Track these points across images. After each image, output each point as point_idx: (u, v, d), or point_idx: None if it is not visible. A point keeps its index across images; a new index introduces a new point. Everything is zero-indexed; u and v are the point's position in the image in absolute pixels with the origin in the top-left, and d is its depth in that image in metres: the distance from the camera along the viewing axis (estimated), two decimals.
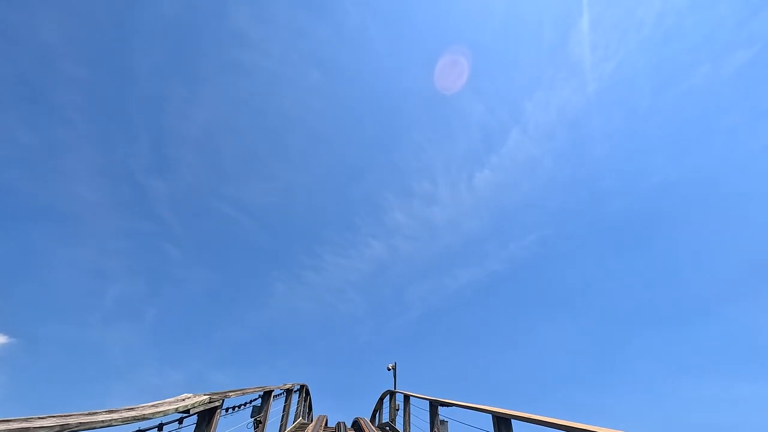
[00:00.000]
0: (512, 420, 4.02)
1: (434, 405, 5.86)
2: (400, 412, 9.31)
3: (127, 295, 44.22)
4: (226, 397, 4.55)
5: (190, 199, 46.56)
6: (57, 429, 1.93)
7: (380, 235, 48.94)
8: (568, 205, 47.79)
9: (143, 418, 2.73)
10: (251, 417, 6.09)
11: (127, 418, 2.54)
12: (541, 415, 3.62)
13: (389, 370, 10.69)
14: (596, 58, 40.91)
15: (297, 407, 10.98)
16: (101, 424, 2.23)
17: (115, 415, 2.39)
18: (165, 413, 3.14)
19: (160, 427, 3.46)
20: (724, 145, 40.83)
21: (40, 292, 41.63)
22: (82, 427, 2.09)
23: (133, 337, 41.90)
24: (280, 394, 7.50)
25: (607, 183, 46.78)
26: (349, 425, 11.51)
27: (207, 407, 4.17)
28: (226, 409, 4.94)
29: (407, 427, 7.80)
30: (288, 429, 8.14)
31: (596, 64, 40.91)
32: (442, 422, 5.67)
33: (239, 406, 5.53)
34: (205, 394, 4.21)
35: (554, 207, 48.66)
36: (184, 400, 3.73)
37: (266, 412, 6.28)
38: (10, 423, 1.81)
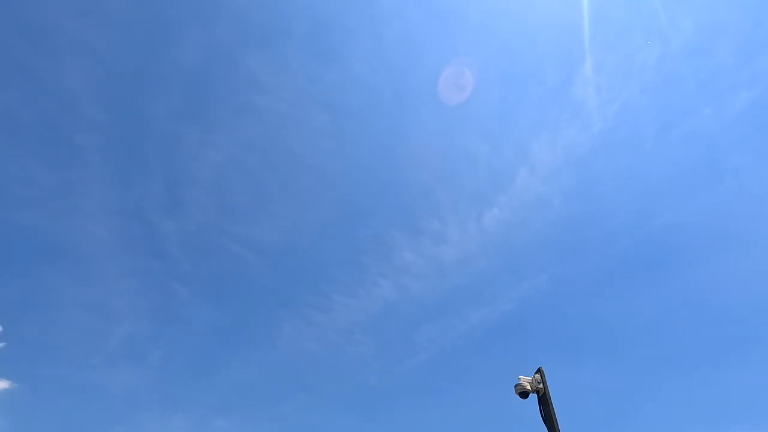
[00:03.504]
0: None
1: None
2: None
3: (132, 335, 42.18)
4: None
5: (199, 237, 45.91)
6: None
7: (389, 274, 47.40)
8: (579, 244, 47.22)
9: None
10: None
11: None
12: None
13: (526, 394, 5.83)
14: (600, 100, 42.27)
15: None
16: None
17: None
18: None
19: None
20: (730, 186, 41.40)
21: (45, 334, 40.06)
22: None
23: (136, 380, 39.38)
24: None
25: (615, 222, 46.67)
26: None
27: None
28: None
29: None
30: None
31: (600, 105, 42.30)
32: None
33: None
34: None
35: (565, 246, 48.02)
36: None
37: None
38: None
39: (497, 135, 46.91)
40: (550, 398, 6.02)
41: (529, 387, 6.13)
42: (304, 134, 46.55)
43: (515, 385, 6.32)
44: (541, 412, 6.11)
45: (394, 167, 49.67)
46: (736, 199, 41.17)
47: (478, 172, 48.73)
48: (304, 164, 48.09)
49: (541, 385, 6.14)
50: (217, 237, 47.23)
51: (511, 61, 43.91)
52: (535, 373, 6.42)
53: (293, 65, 42.55)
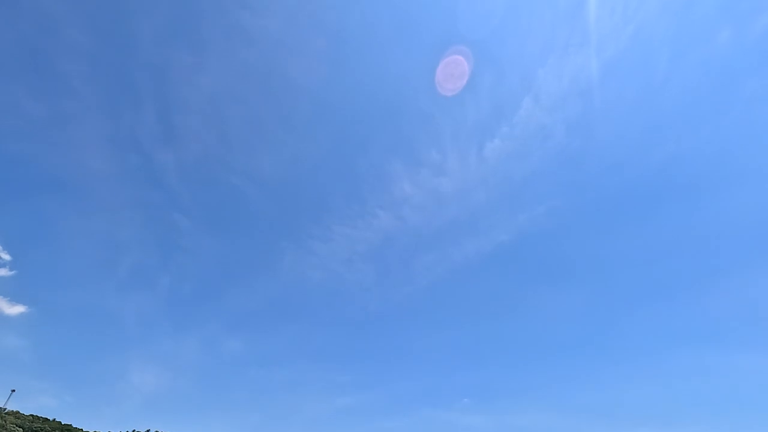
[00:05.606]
0: None
1: None
2: None
3: (139, 264, 45.30)
4: None
5: (198, 168, 46.44)
6: None
7: (387, 205, 48.99)
8: (579, 177, 47.39)
9: None
10: None
11: None
12: None
13: None
14: (613, 23, 39.42)
15: None
16: None
17: None
18: None
19: None
20: (740, 115, 40.19)
21: (54, 263, 42.96)
22: None
23: (147, 305, 43.37)
24: None
25: (618, 154, 46.40)
26: None
27: None
28: None
29: None
30: None
31: (614, 29, 39.53)
32: None
33: None
34: None
35: (565, 178, 48.39)
36: None
37: None
38: None
39: (503, 61, 44.28)
40: None
41: None
42: (300, 59, 44.15)
43: None
44: None
45: (394, 94, 47.80)
46: (744, 129, 40.18)
47: (480, 100, 47.01)
48: (301, 91, 46.36)
49: None
50: (216, 168, 47.60)
51: None
52: None
53: None
